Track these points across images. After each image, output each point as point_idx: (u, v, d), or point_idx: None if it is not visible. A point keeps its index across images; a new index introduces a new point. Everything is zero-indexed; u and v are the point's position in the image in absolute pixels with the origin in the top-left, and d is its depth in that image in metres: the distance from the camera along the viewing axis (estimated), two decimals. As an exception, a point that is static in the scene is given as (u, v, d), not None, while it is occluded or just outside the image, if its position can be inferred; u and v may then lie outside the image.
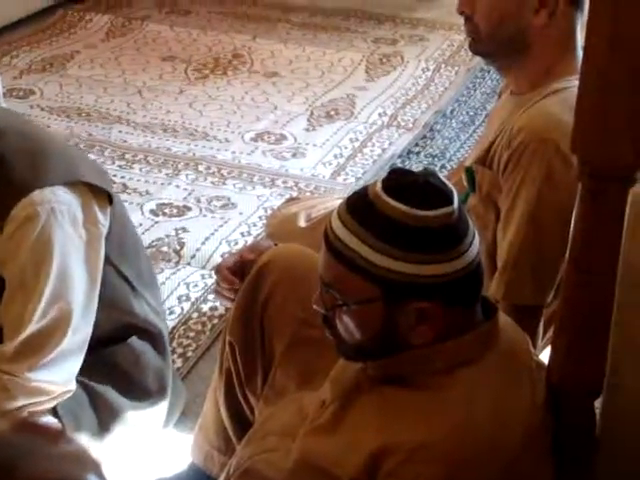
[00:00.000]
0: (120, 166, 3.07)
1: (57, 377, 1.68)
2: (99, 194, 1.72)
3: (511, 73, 1.72)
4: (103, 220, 1.72)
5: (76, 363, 1.70)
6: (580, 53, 1.58)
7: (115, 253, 1.78)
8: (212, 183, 2.99)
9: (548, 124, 1.57)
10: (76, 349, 1.69)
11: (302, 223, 2.18)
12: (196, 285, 2.48)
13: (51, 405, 1.70)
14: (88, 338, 1.71)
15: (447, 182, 1.22)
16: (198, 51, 4.00)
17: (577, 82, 1.13)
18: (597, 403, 1.28)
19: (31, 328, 1.63)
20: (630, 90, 1.07)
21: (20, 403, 1.66)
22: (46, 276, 1.62)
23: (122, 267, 1.81)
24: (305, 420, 1.36)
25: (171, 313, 2.36)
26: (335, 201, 2.16)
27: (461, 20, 1.69)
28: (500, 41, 1.65)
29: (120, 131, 3.30)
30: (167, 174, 3.03)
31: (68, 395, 1.71)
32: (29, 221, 1.60)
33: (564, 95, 1.59)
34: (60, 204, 1.63)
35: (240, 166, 3.11)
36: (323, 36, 4.20)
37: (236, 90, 3.66)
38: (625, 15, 1.04)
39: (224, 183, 3.00)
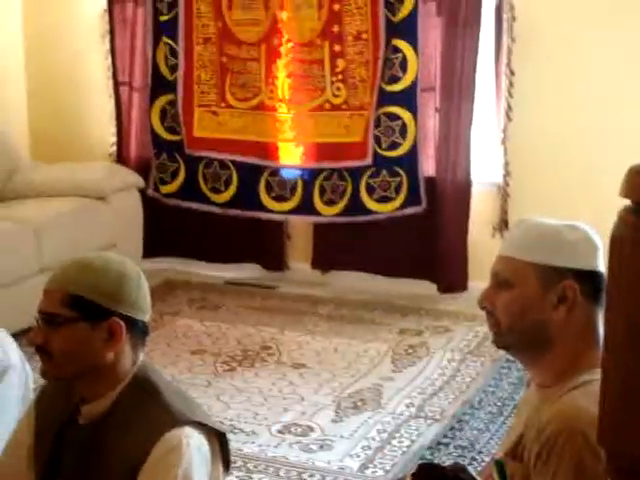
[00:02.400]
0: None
1: None
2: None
3: (535, 366, 1.74)
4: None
5: None
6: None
7: None
8: (237, 478, 2.94)
9: (576, 417, 1.56)
10: None
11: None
12: None
13: None
14: None
15: (477, 478, 1.20)
16: (227, 344, 4.09)
17: (600, 375, 1.14)
18: None
19: None
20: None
21: None
22: None
23: None
24: None
25: None
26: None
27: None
28: (521, 335, 1.68)
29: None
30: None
31: None
32: (177, 451, 1.70)
33: (591, 388, 1.59)
34: (202, 445, 1.75)
35: (266, 459, 3.07)
36: (349, 328, 4.29)
37: (264, 382, 3.69)
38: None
39: (250, 478, 2.96)
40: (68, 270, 1.81)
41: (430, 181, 4.48)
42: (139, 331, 1.81)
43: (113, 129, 5.02)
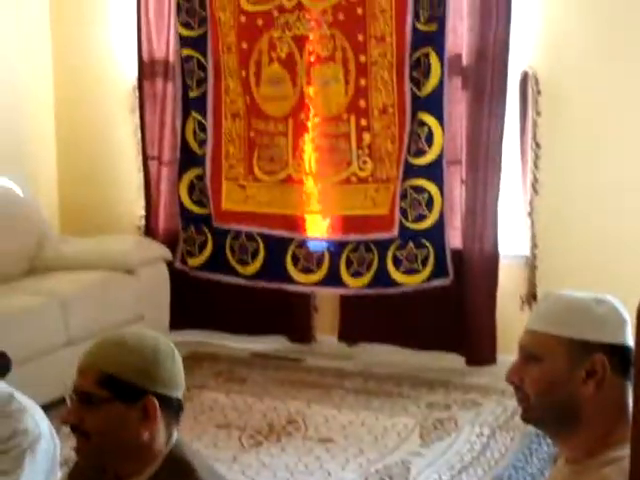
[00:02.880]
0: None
1: None
2: None
3: (564, 441, 1.71)
4: None
5: None
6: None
7: None
8: None
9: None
10: None
11: None
12: None
13: None
14: None
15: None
16: (253, 418, 4.05)
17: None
18: None
19: None
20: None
21: None
22: None
23: None
24: None
25: None
26: None
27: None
28: (550, 410, 1.66)
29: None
30: None
31: None
32: None
33: (621, 464, 1.56)
34: None
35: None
36: (376, 401, 4.24)
37: (290, 457, 3.65)
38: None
39: None
40: (102, 348, 1.81)
41: (457, 253, 4.47)
42: (173, 409, 1.81)
43: (142, 202, 5.07)
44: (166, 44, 4.88)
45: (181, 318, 4.87)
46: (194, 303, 4.95)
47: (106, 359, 1.77)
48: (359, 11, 4.44)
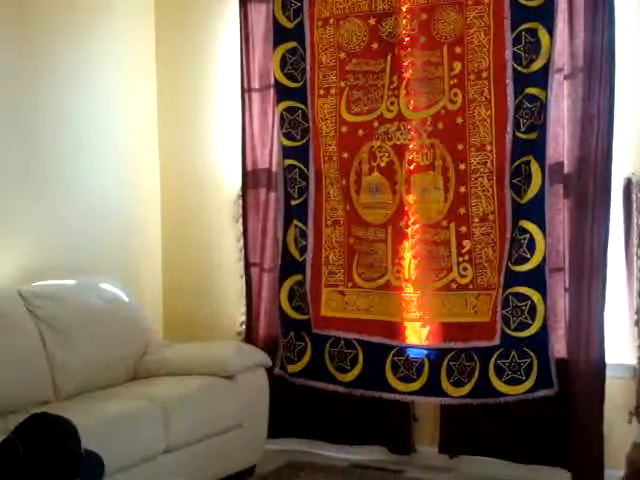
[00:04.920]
0: None
1: None
2: None
3: None
4: None
5: None
6: None
7: None
8: None
9: None
10: None
11: None
12: None
13: None
14: None
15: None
16: (351, 530, 3.96)
17: None
18: None
19: None
20: None
21: None
22: None
23: None
24: None
25: None
26: None
27: None
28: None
29: None
30: None
31: None
32: None
33: None
34: None
35: None
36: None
37: None
38: None
39: None
40: None
41: (562, 363, 4.35)
42: None
43: (243, 308, 5.13)
44: (269, 154, 5.01)
45: (279, 426, 4.84)
46: (293, 411, 4.93)
47: None
48: (459, 120, 4.49)
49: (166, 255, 5.48)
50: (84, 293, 4.59)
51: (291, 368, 4.91)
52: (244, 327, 5.13)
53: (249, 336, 5.08)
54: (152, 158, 5.47)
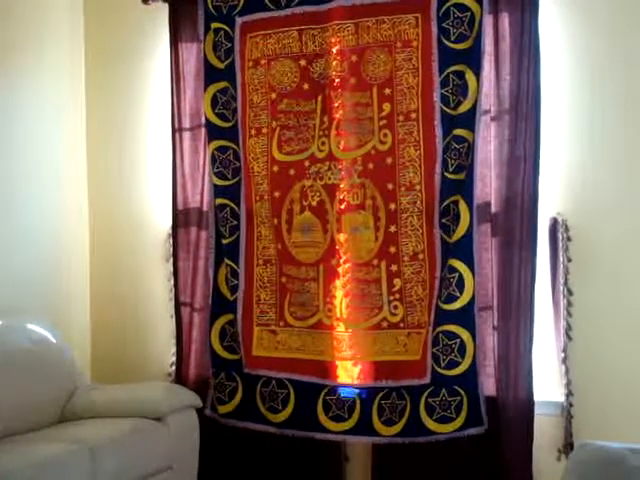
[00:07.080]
0: None
1: None
2: None
3: None
4: None
5: None
6: None
7: None
8: None
9: None
10: None
11: None
12: None
13: None
14: None
15: None
16: None
17: None
18: None
19: None
20: None
21: None
22: None
23: None
24: None
25: None
26: None
27: None
28: None
29: None
30: None
31: None
32: None
33: None
34: None
35: None
36: None
37: None
38: None
39: None
40: None
41: (491, 401, 4.40)
42: None
43: (173, 349, 5.08)
44: (200, 193, 5.00)
45: (210, 467, 4.78)
46: (224, 452, 4.88)
47: None
48: (389, 160, 4.54)
49: (95, 295, 5.42)
50: (10, 334, 4.51)
51: (222, 409, 4.87)
52: (174, 368, 5.08)
53: (179, 377, 5.02)
54: (81, 197, 5.42)
